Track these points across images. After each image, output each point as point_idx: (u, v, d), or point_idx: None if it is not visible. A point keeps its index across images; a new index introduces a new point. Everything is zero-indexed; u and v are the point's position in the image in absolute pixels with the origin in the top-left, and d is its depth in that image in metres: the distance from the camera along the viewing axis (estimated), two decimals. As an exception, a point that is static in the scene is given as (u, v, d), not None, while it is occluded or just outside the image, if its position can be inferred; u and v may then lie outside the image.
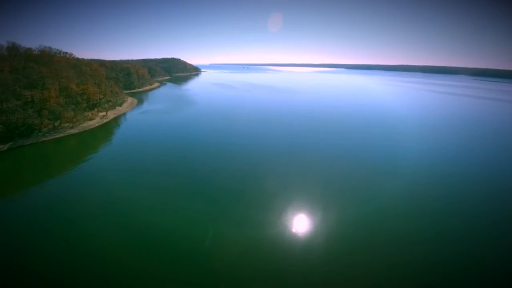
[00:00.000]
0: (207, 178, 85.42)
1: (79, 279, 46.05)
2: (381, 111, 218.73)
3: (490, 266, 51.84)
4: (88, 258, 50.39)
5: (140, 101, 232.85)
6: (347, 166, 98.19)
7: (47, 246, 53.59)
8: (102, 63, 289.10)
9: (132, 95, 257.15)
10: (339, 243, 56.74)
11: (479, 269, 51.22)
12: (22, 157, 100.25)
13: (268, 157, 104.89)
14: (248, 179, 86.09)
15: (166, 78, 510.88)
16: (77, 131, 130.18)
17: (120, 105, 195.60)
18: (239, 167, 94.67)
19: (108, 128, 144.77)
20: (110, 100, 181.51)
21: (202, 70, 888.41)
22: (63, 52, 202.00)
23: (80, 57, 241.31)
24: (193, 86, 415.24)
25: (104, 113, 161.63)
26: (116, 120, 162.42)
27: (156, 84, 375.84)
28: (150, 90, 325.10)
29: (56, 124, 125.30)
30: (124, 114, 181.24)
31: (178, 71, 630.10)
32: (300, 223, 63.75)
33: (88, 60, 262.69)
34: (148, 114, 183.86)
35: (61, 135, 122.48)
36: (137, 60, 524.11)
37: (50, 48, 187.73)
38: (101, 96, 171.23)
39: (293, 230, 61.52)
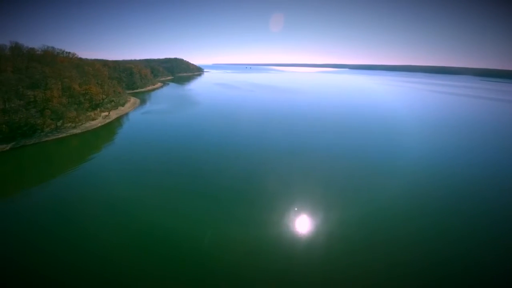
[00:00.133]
0: (210, 178, 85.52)
1: (79, 279, 46.07)
2: (382, 111, 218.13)
3: (490, 266, 51.67)
4: (89, 258, 50.40)
5: (143, 101, 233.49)
6: (348, 166, 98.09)
7: (48, 246, 53.65)
8: (105, 63, 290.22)
9: (135, 95, 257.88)
10: (340, 243, 56.75)
11: (479, 269, 51.04)
12: (24, 157, 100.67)
13: (270, 157, 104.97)
14: (251, 179, 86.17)
15: (169, 78, 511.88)
16: (79, 131, 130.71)
17: (123, 105, 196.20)
18: (242, 167, 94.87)
19: (110, 128, 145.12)
20: (112, 100, 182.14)
21: (205, 70, 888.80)
22: (66, 52, 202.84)
23: (83, 57, 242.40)
24: (196, 86, 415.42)
25: (106, 113, 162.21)
26: (118, 120, 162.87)
27: (159, 84, 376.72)
28: (153, 90, 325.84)
29: (59, 124, 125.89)
30: (126, 114, 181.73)
31: (181, 71, 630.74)
32: (302, 223, 63.79)
33: (91, 60, 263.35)
34: (150, 114, 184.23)
35: (64, 135, 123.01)
36: (140, 60, 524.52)
37: (53, 48, 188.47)
38: (104, 96, 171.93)
39: (295, 229, 61.59)
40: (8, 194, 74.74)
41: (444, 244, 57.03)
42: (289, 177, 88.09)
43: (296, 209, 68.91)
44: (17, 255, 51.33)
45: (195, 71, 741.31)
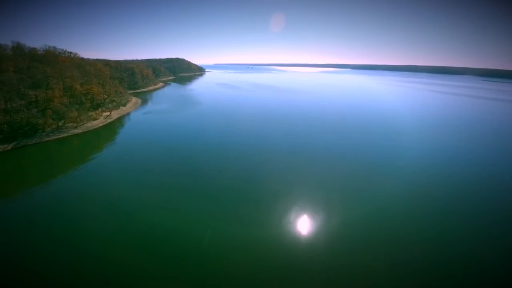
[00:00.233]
0: (210, 178, 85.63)
1: (80, 279, 46.14)
2: (383, 111, 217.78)
3: (490, 266, 51.57)
4: (89, 258, 50.48)
5: (144, 101, 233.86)
6: (349, 166, 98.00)
7: (48, 246, 53.74)
8: (106, 63, 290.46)
9: (136, 95, 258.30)
10: (340, 242, 56.77)
11: (479, 269, 50.93)
12: (25, 157, 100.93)
13: (271, 157, 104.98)
14: (251, 179, 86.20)
15: (171, 78, 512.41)
16: (80, 131, 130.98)
17: (124, 105, 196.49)
18: (242, 167, 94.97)
19: (112, 128, 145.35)
20: (114, 100, 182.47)
21: (207, 70, 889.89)
22: (68, 52, 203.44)
23: (85, 57, 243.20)
24: (197, 86, 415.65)
25: (108, 113, 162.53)
26: (120, 120, 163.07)
27: (160, 84, 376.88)
28: (154, 90, 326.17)
29: (60, 124, 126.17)
30: (128, 114, 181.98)
31: (182, 71, 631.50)
32: (302, 223, 63.87)
33: (93, 60, 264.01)
34: (152, 114, 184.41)
35: (65, 135, 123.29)
36: (142, 60, 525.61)
37: (54, 48, 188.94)
38: (105, 96, 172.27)
39: (295, 229, 61.68)
40: (9, 194, 74.85)
41: (444, 244, 56.95)
42: (289, 177, 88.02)
43: (296, 208, 68.88)
44: (17, 255, 51.38)
45: (197, 71, 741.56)
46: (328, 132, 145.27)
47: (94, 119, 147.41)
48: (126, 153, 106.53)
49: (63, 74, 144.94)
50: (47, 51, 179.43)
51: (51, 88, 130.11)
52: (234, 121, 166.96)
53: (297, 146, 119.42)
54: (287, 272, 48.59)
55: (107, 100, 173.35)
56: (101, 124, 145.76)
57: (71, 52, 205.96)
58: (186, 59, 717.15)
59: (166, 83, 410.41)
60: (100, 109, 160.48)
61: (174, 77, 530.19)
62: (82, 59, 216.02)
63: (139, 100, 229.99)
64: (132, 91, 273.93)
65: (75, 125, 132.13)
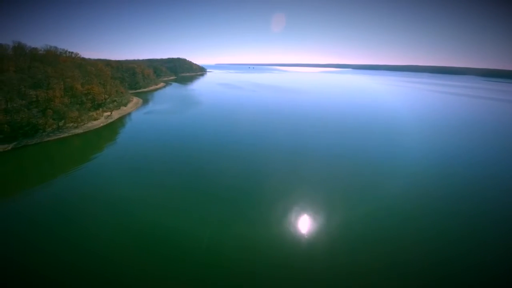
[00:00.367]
0: (212, 177, 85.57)
1: (80, 279, 46.07)
2: (384, 111, 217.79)
3: (490, 266, 51.73)
4: (89, 258, 50.42)
5: (145, 101, 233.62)
6: (350, 166, 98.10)
7: (49, 246, 53.62)
8: (107, 63, 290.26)
9: (138, 95, 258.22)
10: (341, 242, 57.06)
11: (479, 269, 51.01)
12: (26, 157, 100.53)
13: (273, 157, 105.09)
14: (253, 178, 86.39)
15: (172, 78, 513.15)
16: (81, 131, 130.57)
17: (125, 105, 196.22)
18: (244, 166, 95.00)
19: (113, 128, 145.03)
20: (115, 100, 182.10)
21: (208, 70, 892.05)
22: (69, 52, 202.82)
23: (86, 57, 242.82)
24: (198, 86, 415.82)
25: (109, 113, 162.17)
26: (121, 120, 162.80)
27: (162, 84, 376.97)
28: (156, 90, 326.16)
29: (61, 124, 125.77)
30: (129, 114, 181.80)
31: (183, 71, 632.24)
32: (304, 222, 64.16)
33: (94, 60, 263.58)
34: (153, 114, 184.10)
35: (66, 135, 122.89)
36: (143, 60, 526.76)
37: (55, 48, 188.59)
38: (106, 96, 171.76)
39: (297, 228, 61.91)
40: (10, 194, 74.51)
41: (444, 244, 57.31)
42: (290, 177, 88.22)
43: (297, 208, 69.08)
44: (17, 255, 51.33)
45: (198, 71, 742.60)
46: (329, 132, 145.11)
47: (95, 119, 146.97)
48: (127, 153, 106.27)
49: (64, 74, 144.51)
50: (48, 51, 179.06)
51: (52, 88, 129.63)
52: (235, 121, 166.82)
53: (298, 145, 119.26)
54: (288, 271, 48.79)
55: (108, 100, 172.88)
56: (102, 124, 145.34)
57: (72, 52, 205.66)
58: (187, 59, 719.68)
59: (167, 83, 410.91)
60: (101, 109, 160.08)
61: (175, 77, 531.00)
62: (83, 59, 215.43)
63: (140, 100, 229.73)
64: (133, 91, 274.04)
65: (75, 125, 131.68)
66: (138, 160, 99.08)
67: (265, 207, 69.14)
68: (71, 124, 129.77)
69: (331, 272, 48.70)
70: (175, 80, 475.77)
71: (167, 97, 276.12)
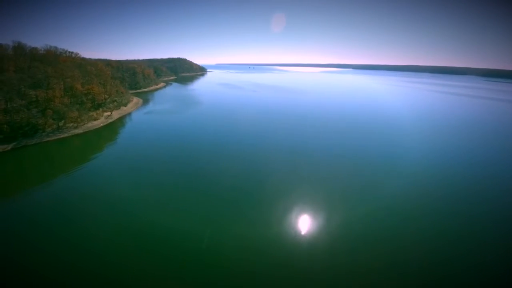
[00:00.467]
0: (212, 177, 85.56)
1: (80, 279, 46.02)
2: (385, 111, 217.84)
3: (490, 266, 51.70)
4: (89, 258, 50.40)
5: (146, 101, 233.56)
6: (350, 165, 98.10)
7: (49, 246, 53.59)
8: (108, 63, 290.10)
9: (138, 95, 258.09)
10: (341, 242, 57.11)
11: (479, 269, 50.95)
12: (25, 157, 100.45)
13: (273, 157, 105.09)
14: (253, 178, 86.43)
15: (172, 78, 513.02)
16: (81, 131, 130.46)
17: (125, 105, 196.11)
18: (244, 166, 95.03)
19: (113, 128, 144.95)
20: (115, 100, 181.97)
21: (208, 70, 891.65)
22: (69, 52, 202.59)
23: (86, 57, 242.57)
24: (198, 86, 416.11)
25: (109, 113, 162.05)
26: (121, 120, 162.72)
27: (162, 84, 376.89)
28: (156, 90, 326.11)
29: (60, 124, 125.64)
30: (129, 114, 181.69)
31: (184, 71, 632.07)
32: (303, 222, 64.21)
33: (94, 60, 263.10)
34: (153, 114, 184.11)
35: (65, 135, 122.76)
36: (143, 60, 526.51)
37: (55, 47, 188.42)
38: (106, 96, 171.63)
39: (297, 228, 61.96)
40: (9, 194, 74.47)
41: (444, 244, 57.33)
42: (291, 177, 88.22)
43: (297, 208, 69.07)
44: (17, 255, 51.29)
45: (198, 71, 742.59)
46: (330, 132, 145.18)
47: (95, 119, 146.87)
48: (127, 153, 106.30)
49: (64, 74, 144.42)
50: (48, 51, 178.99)
51: (52, 88, 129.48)
52: (235, 121, 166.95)
53: (298, 145, 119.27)
54: (288, 271, 48.78)
55: (108, 100, 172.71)
56: (102, 124, 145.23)
57: (72, 52, 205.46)
58: (187, 59, 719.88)
59: (167, 83, 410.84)
60: (101, 109, 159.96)
61: (175, 77, 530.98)
62: (83, 59, 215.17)
63: (141, 100, 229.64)
64: (134, 91, 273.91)
65: (75, 125, 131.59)
66: (138, 160, 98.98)
67: (265, 207, 69.13)
68: (71, 124, 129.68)
69: (331, 272, 48.68)
70: (175, 80, 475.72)
71: (167, 97, 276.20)
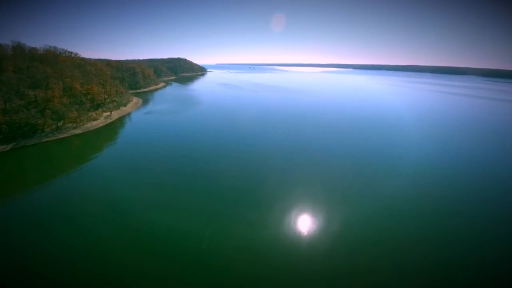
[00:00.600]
0: (212, 177, 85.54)
1: (80, 279, 45.99)
2: (385, 111, 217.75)
3: (490, 266, 51.68)
4: (89, 258, 50.41)
5: (145, 101, 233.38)
6: (351, 165, 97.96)
7: (48, 246, 53.59)
8: (108, 63, 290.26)
9: (138, 95, 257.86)
10: (341, 242, 56.99)
11: (479, 269, 50.92)
12: (24, 157, 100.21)
13: (273, 157, 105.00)
14: (253, 178, 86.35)
15: (172, 78, 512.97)
16: (80, 131, 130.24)
17: (125, 105, 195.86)
18: (244, 166, 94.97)
19: (112, 128, 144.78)
20: (115, 100, 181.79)
21: (208, 70, 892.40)
22: (68, 52, 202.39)
23: (86, 57, 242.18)
24: (198, 86, 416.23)
25: (108, 113, 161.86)
26: (120, 120, 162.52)
27: (162, 84, 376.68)
28: (156, 90, 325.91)
29: (60, 124, 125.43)
30: (129, 114, 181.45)
31: (184, 71, 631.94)
32: (303, 222, 64.16)
33: (94, 60, 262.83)
34: (153, 114, 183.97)
35: (65, 135, 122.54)
36: (143, 60, 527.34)
37: (55, 47, 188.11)
38: (106, 96, 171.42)
39: (297, 228, 61.92)
40: (9, 194, 74.35)
41: (445, 244, 57.33)
42: (291, 177, 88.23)
43: (297, 208, 69.00)
44: (17, 255, 51.28)
45: (198, 71, 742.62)
46: (330, 132, 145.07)
47: (94, 119, 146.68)
48: (127, 153, 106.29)
49: (63, 74, 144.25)
50: (47, 51, 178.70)
51: (51, 88, 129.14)
52: (235, 121, 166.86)
53: (298, 145, 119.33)
54: (288, 271, 48.70)
55: (108, 100, 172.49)
56: (101, 125, 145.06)
57: (71, 52, 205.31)
58: (187, 59, 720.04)
59: (167, 83, 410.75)
60: (100, 109, 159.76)
61: (175, 77, 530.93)
62: (83, 59, 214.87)
63: (140, 100, 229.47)
64: (133, 91, 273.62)
65: (75, 125, 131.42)
66: (138, 160, 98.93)
67: (265, 207, 69.04)
68: (70, 125, 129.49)
69: (331, 272, 48.59)
70: (176, 80, 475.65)
71: (167, 97, 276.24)
